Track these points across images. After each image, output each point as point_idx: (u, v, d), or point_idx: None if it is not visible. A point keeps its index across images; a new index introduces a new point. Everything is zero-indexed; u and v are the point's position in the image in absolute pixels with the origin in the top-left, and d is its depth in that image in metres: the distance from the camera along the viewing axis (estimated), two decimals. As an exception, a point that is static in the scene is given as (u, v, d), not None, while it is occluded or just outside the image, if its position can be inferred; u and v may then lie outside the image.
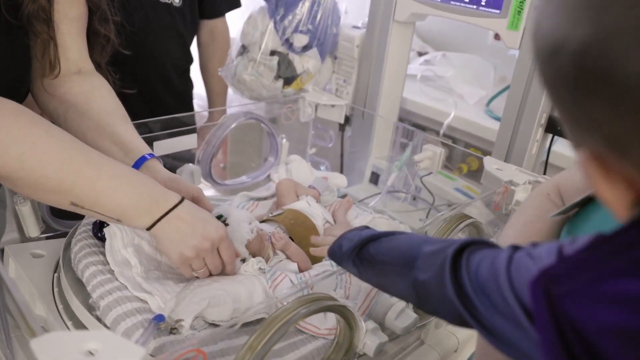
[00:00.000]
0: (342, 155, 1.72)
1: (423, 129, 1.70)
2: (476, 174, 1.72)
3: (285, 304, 0.68)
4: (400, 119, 1.66)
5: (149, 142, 1.19)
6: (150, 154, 0.95)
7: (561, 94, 0.36)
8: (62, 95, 0.96)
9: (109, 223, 0.93)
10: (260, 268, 0.92)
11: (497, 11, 1.21)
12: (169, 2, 1.52)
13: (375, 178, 1.58)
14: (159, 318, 0.77)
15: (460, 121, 1.66)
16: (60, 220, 1.09)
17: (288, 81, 1.50)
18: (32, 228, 1.03)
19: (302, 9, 1.43)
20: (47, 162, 0.72)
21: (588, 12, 0.32)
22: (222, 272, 0.90)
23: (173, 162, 1.35)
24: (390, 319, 0.89)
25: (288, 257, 1.02)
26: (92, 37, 1.03)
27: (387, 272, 0.66)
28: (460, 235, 0.95)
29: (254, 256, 0.95)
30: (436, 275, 0.54)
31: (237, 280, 0.88)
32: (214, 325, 0.84)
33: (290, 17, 1.43)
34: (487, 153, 1.50)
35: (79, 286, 0.90)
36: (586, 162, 0.36)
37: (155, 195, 0.79)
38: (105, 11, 1.03)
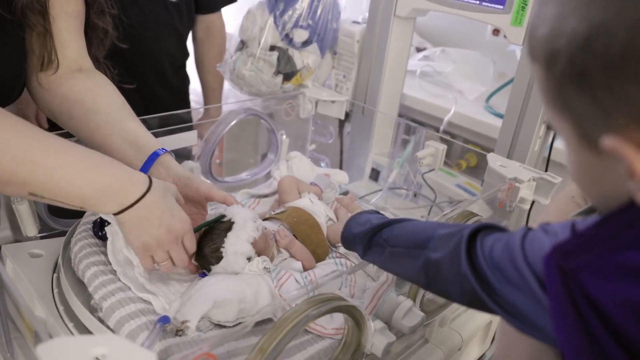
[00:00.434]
0: (341, 152, 1.70)
1: (421, 124, 1.69)
2: (475, 170, 1.71)
3: (293, 305, 0.67)
4: (400, 115, 1.65)
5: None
6: (162, 149, 0.94)
7: (594, 81, 0.37)
8: (65, 93, 0.94)
9: (110, 222, 0.91)
10: (265, 267, 0.90)
11: (501, 7, 1.20)
12: (165, -4, 1.49)
13: (375, 174, 1.57)
14: (164, 320, 0.75)
15: (460, 117, 1.65)
16: (58, 219, 1.07)
17: (288, 77, 1.48)
18: (30, 227, 1.01)
19: (302, 4, 1.41)
20: None
21: None
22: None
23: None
24: (398, 318, 0.88)
25: (292, 256, 1.01)
26: (90, 31, 1.01)
27: (398, 255, 0.66)
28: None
29: (258, 255, 0.93)
30: (450, 254, 0.55)
31: (242, 279, 0.87)
32: (219, 325, 0.82)
33: (290, 12, 1.41)
34: (486, 149, 1.49)
35: (80, 287, 0.88)
36: (618, 145, 0.37)
37: (121, 183, 0.76)
38: (101, 4, 1.01)
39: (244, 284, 0.85)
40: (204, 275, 0.92)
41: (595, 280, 0.37)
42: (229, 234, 0.90)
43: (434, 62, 1.80)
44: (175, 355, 0.72)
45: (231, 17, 1.76)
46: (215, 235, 0.92)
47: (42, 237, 1.04)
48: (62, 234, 1.05)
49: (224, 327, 0.82)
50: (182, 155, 1.32)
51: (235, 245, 0.89)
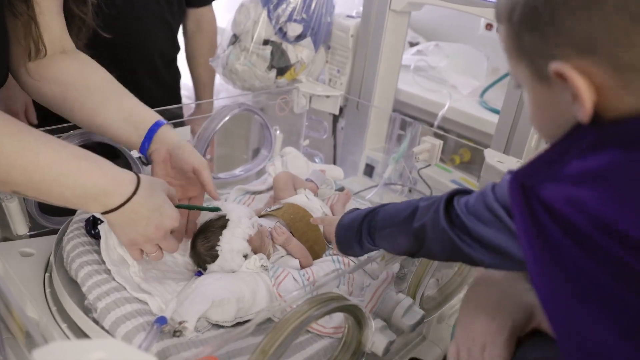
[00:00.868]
0: (334, 147, 1.69)
1: (415, 119, 1.68)
2: (469, 165, 1.71)
3: (294, 306, 0.66)
4: (393, 110, 1.64)
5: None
6: (158, 122, 0.92)
7: (542, 19, 0.45)
8: (55, 77, 0.91)
9: (103, 220, 0.89)
10: (262, 265, 0.89)
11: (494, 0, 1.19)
12: (156, -12, 1.46)
13: (369, 170, 1.55)
14: (161, 320, 0.73)
15: (454, 112, 1.64)
16: (49, 217, 1.05)
17: (281, 71, 1.46)
18: (20, 226, 0.99)
19: (297, -3, 1.39)
20: None
21: None
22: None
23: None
24: (398, 316, 0.87)
25: (289, 253, 0.99)
26: (67, 18, 0.98)
27: (388, 235, 0.70)
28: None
29: (255, 252, 0.92)
30: (432, 216, 0.62)
31: (239, 278, 0.85)
32: (217, 325, 0.81)
33: (284, 6, 1.39)
34: (480, 144, 1.49)
35: (73, 286, 0.86)
36: (562, 67, 0.44)
37: (103, 187, 0.73)
38: None
39: (241, 283, 0.84)
40: (200, 273, 0.91)
41: (549, 189, 0.44)
42: (224, 232, 0.89)
43: (428, 56, 1.79)
44: (174, 356, 0.70)
45: (223, 11, 1.73)
46: (209, 233, 0.90)
47: (32, 236, 1.02)
48: (53, 232, 1.02)
49: (222, 327, 0.81)
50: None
51: (231, 243, 0.88)
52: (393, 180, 1.43)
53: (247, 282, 0.85)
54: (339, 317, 0.83)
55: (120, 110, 0.92)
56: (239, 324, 0.82)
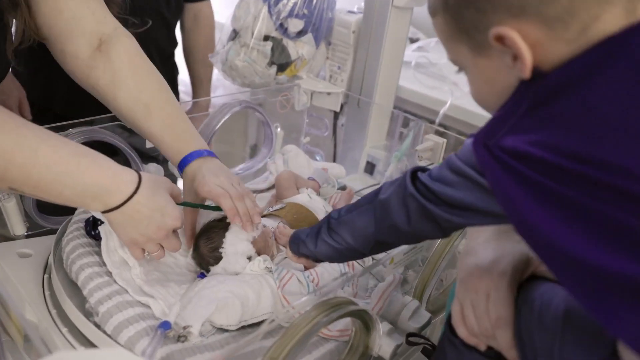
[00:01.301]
0: (335, 145, 1.67)
1: (415, 116, 1.66)
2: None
3: (302, 312, 0.64)
4: (394, 107, 1.62)
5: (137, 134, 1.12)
6: (187, 157, 0.89)
7: None
8: (93, 86, 0.90)
9: (103, 220, 0.87)
10: (267, 267, 0.87)
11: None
12: (152, -17, 1.44)
13: (370, 168, 1.54)
14: (165, 325, 0.72)
15: (456, 109, 1.63)
16: (47, 216, 1.03)
17: (282, 68, 1.44)
18: (18, 226, 0.96)
19: (298, -8, 1.37)
20: None
21: None
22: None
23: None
24: (404, 319, 0.85)
25: (292, 254, 0.98)
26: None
27: (346, 220, 0.70)
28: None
29: (258, 254, 0.90)
30: (396, 188, 0.64)
31: (243, 280, 0.84)
32: (221, 329, 0.79)
33: (284, 1, 1.37)
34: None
35: (73, 288, 0.84)
36: (502, 29, 0.48)
37: (104, 184, 0.72)
38: None
39: (246, 286, 0.82)
40: (202, 275, 0.89)
41: (510, 140, 0.48)
42: (228, 233, 0.87)
43: (429, 53, 1.78)
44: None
45: (222, 6, 1.70)
46: (212, 234, 0.89)
47: (30, 236, 0.99)
48: (52, 232, 1.00)
49: (227, 331, 0.79)
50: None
51: (235, 245, 0.86)
52: (394, 178, 1.41)
53: (252, 284, 0.83)
54: (345, 320, 0.82)
55: (146, 136, 0.91)
56: (243, 327, 0.81)
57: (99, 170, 0.72)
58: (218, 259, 0.86)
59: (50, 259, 0.90)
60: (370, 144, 1.55)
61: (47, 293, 0.86)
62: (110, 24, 0.91)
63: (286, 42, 1.42)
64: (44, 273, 0.90)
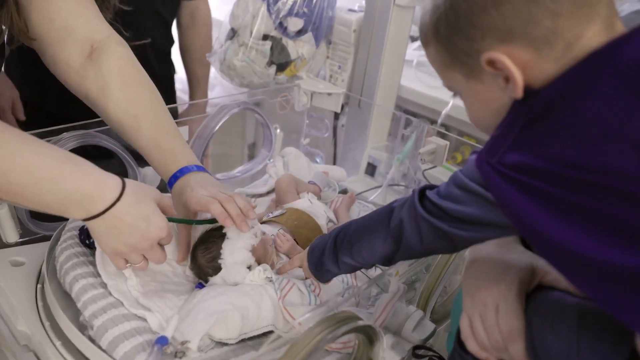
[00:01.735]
0: (335, 146, 1.64)
1: (415, 116, 1.64)
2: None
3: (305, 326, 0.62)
4: (395, 107, 1.60)
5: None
6: (176, 174, 0.86)
7: (462, 25, 0.53)
8: (85, 95, 0.88)
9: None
10: (267, 277, 0.85)
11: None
12: (148, -20, 1.40)
13: (371, 169, 1.51)
14: (162, 340, 0.69)
15: (457, 109, 1.60)
16: (40, 222, 1.00)
17: (281, 67, 1.41)
18: (10, 233, 0.93)
19: (298, -10, 1.33)
20: None
21: None
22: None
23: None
24: (408, 331, 0.83)
25: (293, 262, 0.95)
26: None
27: (365, 242, 0.72)
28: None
29: (258, 262, 0.87)
30: (407, 211, 0.65)
31: (243, 291, 0.81)
32: (220, 343, 0.77)
33: (284, -1, 1.34)
34: (481, 142, 1.45)
35: (67, 299, 0.81)
36: (493, 54, 0.51)
37: (86, 190, 0.69)
38: None
39: (245, 297, 0.79)
40: (201, 285, 0.86)
41: (511, 156, 0.51)
42: (225, 243, 0.84)
43: (430, 52, 1.74)
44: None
45: (220, 3, 1.67)
46: (210, 244, 0.86)
47: (23, 243, 0.97)
48: (45, 238, 0.98)
49: (226, 344, 0.77)
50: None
51: (234, 254, 0.83)
52: (397, 181, 1.39)
53: (252, 295, 0.80)
54: (348, 332, 0.79)
55: (153, 143, 0.88)
56: (243, 340, 0.78)
57: (81, 176, 0.70)
58: (217, 269, 0.84)
59: (43, 268, 0.87)
60: (371, 145, 1.52)
61: (40, 304, 0.83)
62: (103, 32, 0.89)
63: (286, 41, 1.39)
64: (37, 282, 0.87)
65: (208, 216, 0.87)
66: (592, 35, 0.50)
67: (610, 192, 0.47)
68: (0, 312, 0.85)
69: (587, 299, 0.57)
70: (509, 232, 0.61)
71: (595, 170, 0.47)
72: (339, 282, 0.95)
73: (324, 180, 1.21)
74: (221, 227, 0.87)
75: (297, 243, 0.97)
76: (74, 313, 0.79)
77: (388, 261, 0.71)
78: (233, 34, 1.40)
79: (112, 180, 0.72)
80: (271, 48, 1.37)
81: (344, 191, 1.28)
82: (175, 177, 0.86)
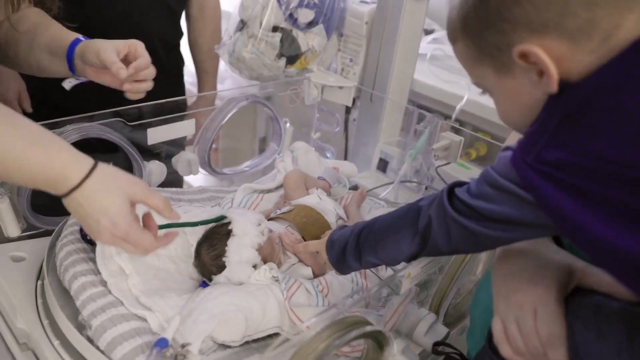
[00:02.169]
0: (346, 140, 1.60)
1: (428, 110, 1.60)
2: (485, 159, 1.63)
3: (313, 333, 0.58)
4: (408, 102, 1.56)
5: (143, 129, 1.07)
6: (74, 41, 0.90)
7: (493, 18, 0.51)
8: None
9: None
10: (273, 276, 0.82)
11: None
12: (155, -29, 1.37)
13: (383, 165, 1.47)
14: (162, 343, 0.66)
15: (472, 104, 1.56)
16: (42, 216, 0.98)
17: (291, 60, 1.37)
18: (12, 227, 0.91)
19: (308, -19, 1.30)
20: None
21: None
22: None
23: (168, 147, 1.23)
24: (420, 334, 0.80)
25: (301, 260, 0.92)
26: None
27: (390, 241, 0.69)
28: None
29: (264, 261, 0.84)
30: (436, 211, 0.62)
31: (248, 291, 0.78)
32: (223, 345, 0.74)
33: (295, -10, 1.30)
34: (499, 139, 1.41)
35: (66, 297, 0.79)
36: (526, 47, 0.49)
37: (50, 175, 0.68)
38: None
39: (250, 297, 0.76)
40: (205, 284, 0.83)
41: (550, 152, 0.49)
42: (231, 240, 0.81)
43: (444, 45, 1.70)
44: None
45: (230, -6, 1.63)
46: (215, 241, 0.83)
47: (25, 238, 0.94)
48: (48, 233, 0.95)
49: (229, 347, 0.74)
50: (176, 143, 1.22)
51: (240, 253, 0.80)
52: (409, 177, 1.35)
53: (257, 295, 0.77)
54: (356, 335, 0.76)
55: (46, 45, 0.91)
56: (247, 342, 0.75)
57: (44, 160, 0.68)
58: (221, 267, 0.81)
59: (44, 264, 0.85)
60: (383, 140, 1.49)
61: (39, 301, 0.80)
62: None
63: (296, 33, 1.35)
64: (38, 279, 0.85)
65: (204, 216, 0.85)
66: (632, 25, 0.47)
67: None
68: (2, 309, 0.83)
69: (633, 304, 0.54)
70: (543, 232, 0.58)
71: (637, 166, 0.45)
72: (347, 282, 0.91)
73: (334, 175, 1.17)
74: (227, 224, 0.84)
75: (305, 240, 0.94)
76: (74, 311, 0.76)
77: (412, 260, 0.69)
78: (242, 25, 1.37)
79: (79, 165, 0.70)
80: (281, 40, 1.33)
81: (354, 187, 1.24)
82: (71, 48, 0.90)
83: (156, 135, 1.07)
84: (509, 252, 0.66)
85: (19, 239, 0.94)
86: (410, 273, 0.70)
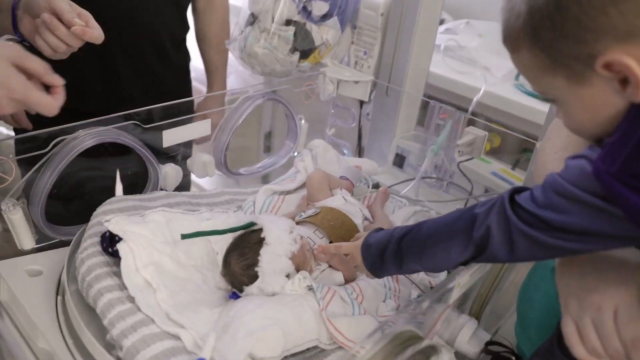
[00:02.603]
0: (359, 136, 1.56)
1: (441, 102, 1.56)
2: (499, 151, 1.60)
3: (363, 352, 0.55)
4: (423, 95, 1.51)
5: (157, 130, 1.02)
6: None
7: (572, 28, 0.48)
8: None
9: (121, 237, 0.78)
10: (307, 285, 0.78)
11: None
12: (160, -38, 1.31)
13: (400, 160, 1.43)
14: (201, 363, 0.62)
15: (487, 96, 1.52)
16: (57, 227, 0.93)
17: (304, 54, 1.33)
18: (26, 239, 0.87)
19: (322, -28, 1.25)
20: None
21: None
22: None
23: (184, 149, 1.18)
24: (463, 342, 0.76)
25: (330, 266, 0.88)
26: None
27: (439, 249, 0.66)
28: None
29: (297, 270, 0.80)
30: (498, 220, 0.59)
31: (283, 303, 0.74)
32: (262, 362, 0.70)
33: (308, -19, 1.25)
34: (513, 129, 1.37)
35: (90, 313, 0.74)
36: (615, 58, 0.47)
37: None
38: None
39: (286, 310, 0.72)
40: (235, 296, 0.79)
41: (634, 163, 0.48)
42: (264, 249, 0.77)
43: (458, 35, 1.66)
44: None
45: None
46: (246, 250, 0.79)
47: (39, 250, 0.90)
48: (63, 244, 0.91)
49: (269, 364, 0.70)
50: (189, 144, 1.17)
51: (273, 262, 0.76)
52: (428, 173, 1.31)
53: (293, 307, 0.73)
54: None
55: None
56: (285, 357, 0.71)
57: None
58: (253, 277, 0.77)
59: (63, 277, 0.80)
60: (399, 135, 1.44)
61: (61, 318, 0.76)
62: None
63: (309, 26, 1.30)
64: (57, 294, 0.81)
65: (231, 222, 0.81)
66: None
67: None
68: (18, 327, 0.79)
69: None
70: (624, 244, 0.55)
71: None
72: (380, 287, 0.88)
73: (356, 174, 1.13)
74: (257, 232, 0.79)
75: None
76: (99, 329, 0.72)
77: (458, 264, 0.66)
78: (253, 19, 1.32)
79: None
80: (294, 34, 1.29)
81: (376, 185, 1.20)
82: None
83: (172, 137, 1.02)
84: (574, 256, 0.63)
85: (33, 251, 0.89)
86: (460, 283, 0.66)
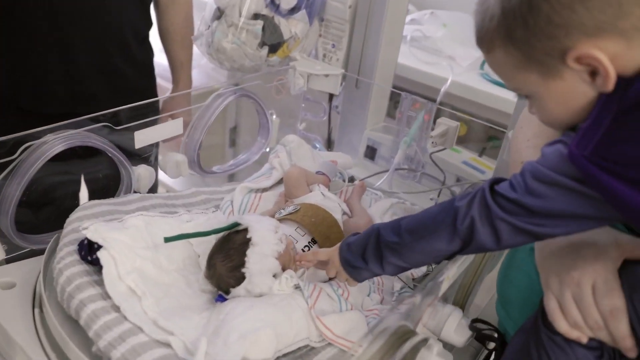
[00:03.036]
0: (329, 129, 1.56)
1: (408, 93, 1.57)
2: (464, 139, 1.62)
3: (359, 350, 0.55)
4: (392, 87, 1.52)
5: (128, 132, 0.99)
6: None
7: (542, 25, 0.51)
8: None
9: (101, 244, 0.75)
10: (294, 285, 0.77)
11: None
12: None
13: (371, 152, 1.44)
14: (196, 371, 0.61)
15: (453, 85, 1.54)
16: (27, 235, 0.89)
17: (273, 48, 1.31)
18: (-5, 251, 0.83)
19: (289, -36, 1.23)
20: None
21: None
22: None
23: (156, 150, 1.16)
24: (449, 332, 0.77)
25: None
26: None
27: (422, 244, 0.66)
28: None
29: (283, 269, 0.80)
30: (480, 211, 0.60)
31: (272, 303, 0.73)
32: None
33: (275, -26, 1.23)
34: (478, 117, 1.40)
35: (72, 324, 0.72)
36: (585, 51, 0.50)
37: None
38: None
39: (277, 311, 0.72)
40: (222, 298, 0.78)
41: (605, 146, 0.51)
42: (251, 250, 0.76)
43: (423, 25, 1.67)
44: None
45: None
46: (232, 251, 0.78)
47: (10, 260, 0.86)
48: (34, 253, 0.87)
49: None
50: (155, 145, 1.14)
51: (260, 263, 0.75)
52: (400, 165, 1.32)
53: (282, 307, 0.73)
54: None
55: None
56: (277, 358, 0.71)
57: None
58: (240, 279, 0.76)
59: (40, 289, 0.77)
60: (369, 127, 1.45)
61: (41, 332, 0.73)
62: None
63: (278, 20, 1.28)
64: (34, 307, 0.77)
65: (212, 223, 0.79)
66: None
67: None
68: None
69: None
70: (601, 222, 0.58)
71: None
72: (365, 283, 0.88)
73: (332, 169, 1.13)
74: (241, 232, 0.78)
75: (315, 240, 0.90)
76: (82, 340, 0.70)
77: (446, 260, 0.67)
78: (220, 13, 1.29)
79: None
80: (263, 28, 1.27)
81: (351, 179, 1.20)
82: None
83: (144, 137, 0.99)
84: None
85: (2, 262, 0.85)
86: (449, 276, 0.67)
